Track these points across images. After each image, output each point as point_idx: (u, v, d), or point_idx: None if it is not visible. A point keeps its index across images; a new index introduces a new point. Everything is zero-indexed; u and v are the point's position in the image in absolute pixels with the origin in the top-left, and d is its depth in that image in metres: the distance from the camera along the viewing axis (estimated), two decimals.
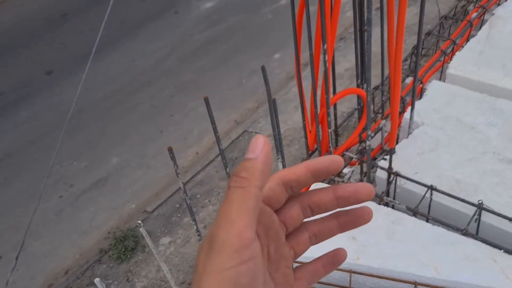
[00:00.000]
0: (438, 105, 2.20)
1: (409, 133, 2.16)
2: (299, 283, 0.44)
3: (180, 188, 1.40)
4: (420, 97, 2.26)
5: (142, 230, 1.37)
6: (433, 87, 2.27)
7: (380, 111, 2.40)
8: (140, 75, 5.40)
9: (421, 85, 2.29)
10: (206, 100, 1.50)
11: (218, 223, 0.36)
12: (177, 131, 4.65)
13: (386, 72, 2.41)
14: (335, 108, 2.16)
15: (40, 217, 3.78)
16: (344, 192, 0.42)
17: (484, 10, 2.53)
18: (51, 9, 6.85)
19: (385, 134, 2.22)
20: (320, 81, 1.94)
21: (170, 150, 1.51)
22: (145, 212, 3.84)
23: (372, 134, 2.06)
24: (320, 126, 1.96)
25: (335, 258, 0.46)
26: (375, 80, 2.76)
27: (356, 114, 2.53)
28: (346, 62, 4.64)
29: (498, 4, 2.59)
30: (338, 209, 0.44)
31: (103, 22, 3.12)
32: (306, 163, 0.41)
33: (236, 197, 0.36)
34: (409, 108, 2.17)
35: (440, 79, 2.39)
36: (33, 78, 5.54)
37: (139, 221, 1.35)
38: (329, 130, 1.99)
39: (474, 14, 2.56)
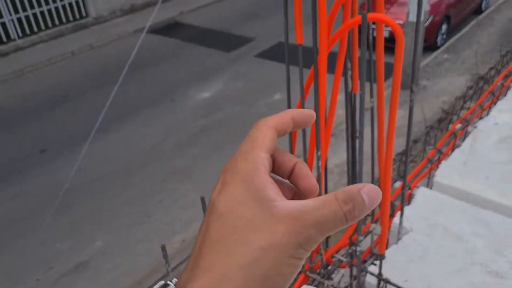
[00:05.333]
0: (426, 212, 2.26)
1: (398, 238, 2.19)
2: None
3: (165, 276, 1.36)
4: (408, 203, 2.33)
5: None
6: (421, 194, 2.35)
7: (370, 214, 2.45)
8: (134, 159, 5.46)
9: (409, 191, 2.37)
10: (202, 200, 1.54)
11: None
12: (165, 217, 4.61)
13: (376, 174, 2.49)
14: None
15: None
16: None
17: (467, 122, 2.69)
18: (54, 91, 7.08)
19: (375, 237, 2.25)
20: None
21: (163, 248, 1.51)
22: None
23: (363, 238, 2.09)
24: None
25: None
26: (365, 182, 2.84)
27: None
28: (336, 158, 4.78)
29: (480, 118, 2.76)
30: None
31: (107, 103, 3.23)
32: (291, 113, 0.43)
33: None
34: (398, 213, 2.22)
35: (427, 185, 2.48)
36: (26, 156, 5.58)
37: None
38: None
39: (458, 126, 2.72)
